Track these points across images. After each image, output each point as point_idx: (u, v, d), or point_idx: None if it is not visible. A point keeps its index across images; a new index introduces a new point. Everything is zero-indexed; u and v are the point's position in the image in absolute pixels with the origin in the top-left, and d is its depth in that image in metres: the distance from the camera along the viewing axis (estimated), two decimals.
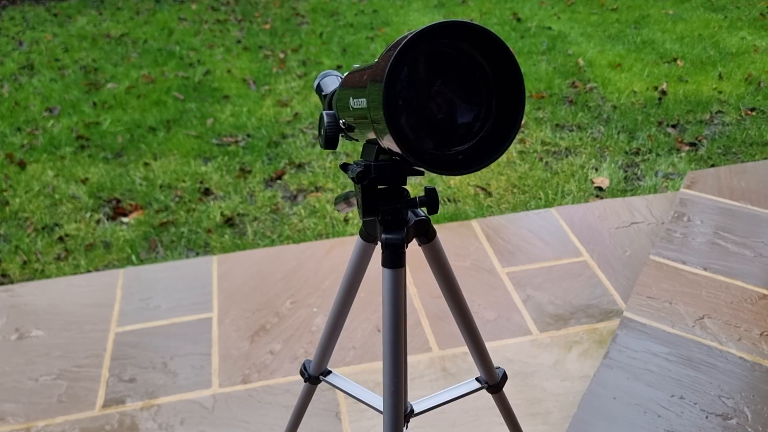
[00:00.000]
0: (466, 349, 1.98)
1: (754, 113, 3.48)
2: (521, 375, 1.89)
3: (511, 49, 0.69)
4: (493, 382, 1.17)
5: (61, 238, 2.64)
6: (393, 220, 0.90)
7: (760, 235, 2.34)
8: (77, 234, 2.66)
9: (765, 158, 3.04)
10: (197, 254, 2.53)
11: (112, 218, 2.77)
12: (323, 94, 1.02)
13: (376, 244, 0.99)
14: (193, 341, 2.05)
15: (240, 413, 1.80)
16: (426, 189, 0.88)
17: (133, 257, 2.51)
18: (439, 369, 1.92)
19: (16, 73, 4.35)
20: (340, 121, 0.87)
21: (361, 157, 0.90)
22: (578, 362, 1.92)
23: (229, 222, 2.71)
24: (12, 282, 2.41)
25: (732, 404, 1.71)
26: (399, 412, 0.93)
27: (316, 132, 3.45)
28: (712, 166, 2.99)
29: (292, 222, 2.70)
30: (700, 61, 4.16)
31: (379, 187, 0.87)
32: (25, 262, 2.50)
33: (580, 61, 4.21)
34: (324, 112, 0.89)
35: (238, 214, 2.76)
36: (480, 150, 0.72)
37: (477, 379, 1.19)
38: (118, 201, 2.88)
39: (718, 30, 4.71)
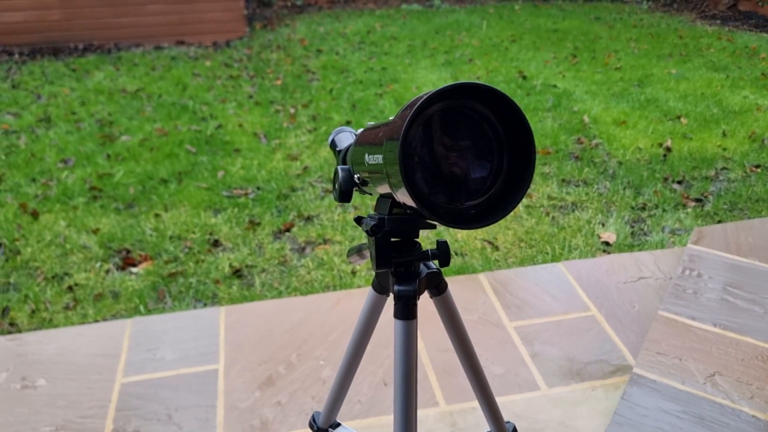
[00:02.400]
0: (474, 403, 1.96)
1: (759, 170, 3.51)
2: None
3: (520, 108, 0.72)
4: None
5: (70, 288, 2.65)
6: (405, 272, 0.91)
7: None
8: (86, 283, 2.68)
9: None
10: (205, 305, 2.54)
11: (121, 268, 2.79)
12: (337, 149, 1.06)
13: (388, 295, 1.00)
14: (199, 393, 2.04)
15: None
16: (438, 242, 0.90)
17: (141, 307, 2.52)
18: (446, 424, 1.90)
19: (34, 125, 4.46)
20: (355, 176, 0.90)
21: (374, 211, 0.93)
22: (587, 419, 1.89)
23: (237, 273, 2.73)
24: (20, 331, 2.41)
25: None
26: None
27: (325, 185, 3.50)
28: (719, 221, 3.01)
29: (299, 274, 2.71)
30: (704, 119, 4.23)
31: (392, 239, 0.89)
32: (33, 311, 2.51)
33: (585, 118, 4.29)
34: (339, 167, 0.92)
35: (247, 266, 2.78)
36: (492, 205, 0.75)
37: None
38: (128, 251, 2.91)
39: (720, 89, 4.80)
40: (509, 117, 0.73)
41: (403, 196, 0.72)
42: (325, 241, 2.95)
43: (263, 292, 2.60)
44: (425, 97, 0.68)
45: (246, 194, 3.41)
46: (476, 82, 0.69)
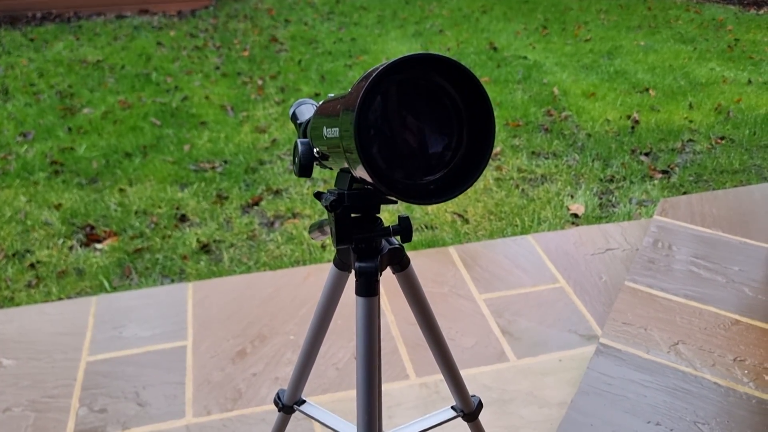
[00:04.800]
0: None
1: (723, 142, 3.56)
2: (499, 402, 1.88)
3: (480, 81, 0.70)
4: (469, 411, 1.16)
5: (32, 265, 2.59)
6: (367, 248, 0.90)
7: (732, 261, 2.38)
8: (49, 261, 2.62)
9: (735, 186, 3.10)
10: (172, 281, 2.50)
11: (85, 245, 2.73)
12: (298, 122, 1.03)
13: (350, 272, 0.98)
14: (167, 370, 2.02)
15: None
16: (399, 218, 0.88)
17: (106, 284, 2.47)
18: (416, 397, 1.91)
19: None
20: (315, 150, 0.87)
21: (335, 185, 0.90)
22: (555, 389, 1.92)
23: (205, 248, 2.69)
24: None
25: (707, 430, 1.72)
26: None
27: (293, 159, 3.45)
28: (684, 193, 3.05)
29: (268, 248, 2.68)
30: (671, 91, 4.26)
31: (352, 215, 0.87)
32: None
33: (555, 90, 4.29)
34: (298, 140, 0.89)
35: (215, 241, 2.74)
36: (451, 179, 0.73)
37: (452, 407, 1.18)
38: (92, 227, 2.84)
39: (688, 61, 4.84)
40: (469, 90, 0.71)
41: (361, 172, 0.70)
42: (295, 215, 2.92)
43: (232, 267, 2.57)
44: (381, 67, 0.66)
45: (213, 168, 3.35)
46: (433, 53, 0.67)
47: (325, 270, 2.48)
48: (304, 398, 1.18)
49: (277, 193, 3.11)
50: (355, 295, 0.90)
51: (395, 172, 0.71)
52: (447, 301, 2.29)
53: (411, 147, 0.71)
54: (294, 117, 1.04)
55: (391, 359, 2.04)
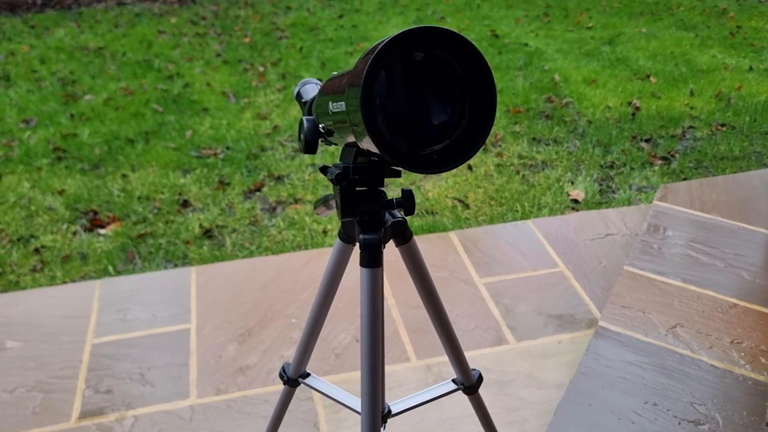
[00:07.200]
0: (444, 358, 2.00)
1: (724, 128, 3.57)
2: (498, 384, 1.90)
3: (482, 53, 0.71)
4: (469, 383, 1.19)
5: (36, 250, 2.61)
6: (371, 221, 0.92)
7: (730, 246, 2.40)
8: (53, 245, 2.64)
9: (735, 172, 3.12)
10: (175, 266, 2.52)
11: (89, 230, 2.75)
12: (303, 101, 1.05)
13: (355, 245, 1.01)
14: (171, 352, 2.04)
15: (218, 424, 1.80)
16: (403, 191, 0.90)
17: (110, 269, 2.50)
18: (417, 377, 1.93)
19: None
20: (320, 126, 0.89)
21: (339, 160, 0.92)
22: (554, 371, 1.95)
23: (207, 234, 2.71)
24: None
25: (704, 410, 1.74)
26: (376, 410, 0.94)
27: (295, 144, 3.47)
28: (684, 179, 3.06)
29: (270, 234, 2.70)
30: (673, 78, 4.26)
31: (357, 189, 0.90)
32: None
33: (556, 77, 4.29)
34: (304, 118, 0.91)
35: (217, 226, 2.76)
36: (454, 150, 0.75)
37: (453, 380, 1.20)
38: (96, 213, 2.86)
39: (689, 48, 4.83)
40: (471, 62, 0.73)
41: (367, 143, 0.72)
42: (296, 201, 2.94)
43: (234, 252, 2.59)
44: (386, 40, 0.67)
45: (215, 154, 3.37)
46: (436, 26, 0.68)
47: (327, 254, 2.50)
48: (308, 371, 1.21)
49: (279, 179, 3.12)
50: (359, 266, 0.92)
51: (400, 143, 0.74)
52: (447, 285, 2.31)
53: (415, 118, 0.74)
54: (299, 96, 1.06)
55: (393, 341, 2.06)
